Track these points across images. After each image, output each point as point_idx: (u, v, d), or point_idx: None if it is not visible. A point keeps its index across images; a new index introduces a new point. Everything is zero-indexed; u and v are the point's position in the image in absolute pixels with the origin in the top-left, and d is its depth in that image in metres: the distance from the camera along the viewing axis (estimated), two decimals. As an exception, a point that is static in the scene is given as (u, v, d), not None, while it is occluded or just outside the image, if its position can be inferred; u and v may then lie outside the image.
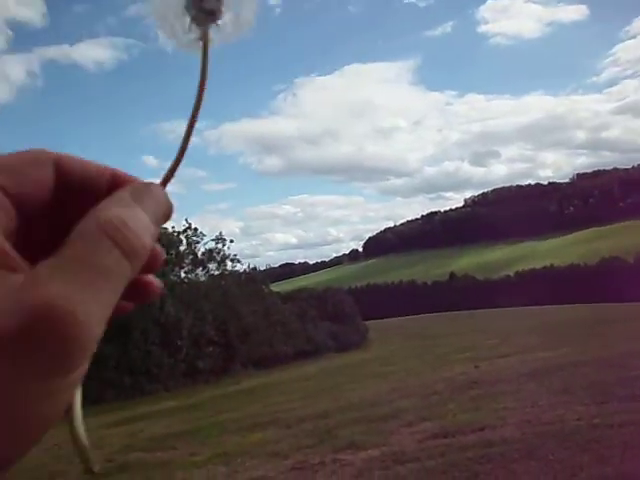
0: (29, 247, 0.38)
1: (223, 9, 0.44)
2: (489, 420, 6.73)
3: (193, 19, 0.43)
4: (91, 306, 0.33)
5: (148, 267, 0.41)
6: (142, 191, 0.41)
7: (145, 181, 0.43)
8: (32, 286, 0.32)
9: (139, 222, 0.38)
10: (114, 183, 0.42)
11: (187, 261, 26.76)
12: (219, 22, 0.44)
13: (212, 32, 0.44)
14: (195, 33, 0.44)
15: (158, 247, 0.43)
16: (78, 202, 0.41)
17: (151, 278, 0.44)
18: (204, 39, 0.44)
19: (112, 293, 0.35)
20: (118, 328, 21.38)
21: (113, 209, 0.37)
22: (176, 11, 0.43)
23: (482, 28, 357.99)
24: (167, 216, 0.42)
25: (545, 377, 9.42)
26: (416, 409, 8.45)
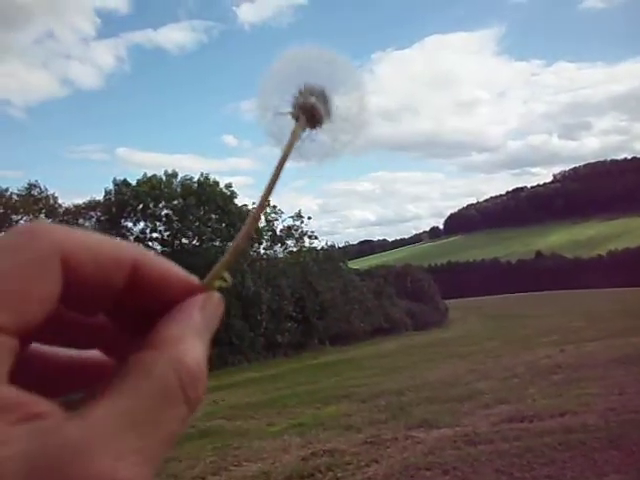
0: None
1: (325, 119, 0.40)
2: (571, 406, 6.45)
3: (293, 111, 0.40)
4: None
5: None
6: (213, 311, 0.35)
7: (203, 287, 0.37)
8: (88, 456, 0.26)
9: (204, 360, 0.33)
10: (136, 276, 0.34)
11: (266, 237, 27.42)
12: (315, 131, 0.40)
13: (304, 136, 0.40)
14: (288, 124, 0.40)
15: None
16: (97, 302, 0.34)
17: None
18: (294, 134, 0.40)
19: (162, 461, 0.30)
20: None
21: (190, 347, 0.32)
22: (280, 97, 0.40)
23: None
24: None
25: (634, 364, 8.87)
26: (493, 391, 8.25)
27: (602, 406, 6.24)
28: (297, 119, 0.40)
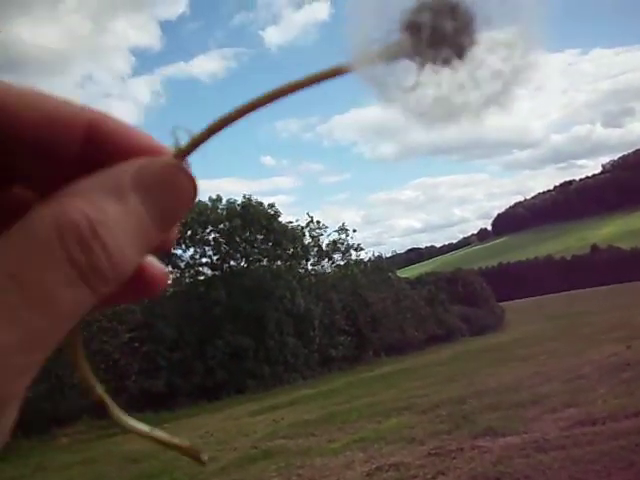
0: None
1: (459, 52, 0.26)
2: (645, 405, 6.13)
3: (436, 57, 0.25)
4: (10, 357, 0.23)
5: (142, 290, 0.31)
6: (157, 174, 0.28)
7: (167, 150, 0.31)
8: None
9: (127, 228, 0.26)
10: (94, 136, 0.30)
11: (312, 253, 27.50)
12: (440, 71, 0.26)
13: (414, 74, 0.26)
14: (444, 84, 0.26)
15: (158, 267, 0.32)
16: (49, 163, 0.30)
17: (155, 270, 0.32)
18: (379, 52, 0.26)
19: (51, 334, 0.24)
20: (253, 320, 22.62)
21: (88, 201, 0.26)
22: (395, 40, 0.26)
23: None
24: (186, 207, 0.30)
25: None
26: (560, 394, 7.93)
27: (680, 403, 5.90)
28: (403, 35, 0.26)
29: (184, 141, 0.31)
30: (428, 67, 0.25)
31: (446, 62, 0.25)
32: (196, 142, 0.31)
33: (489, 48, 0.26)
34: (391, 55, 0.26)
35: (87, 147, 0.30)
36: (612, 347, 12.77)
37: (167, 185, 0.28)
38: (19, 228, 0.25)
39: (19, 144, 0.28)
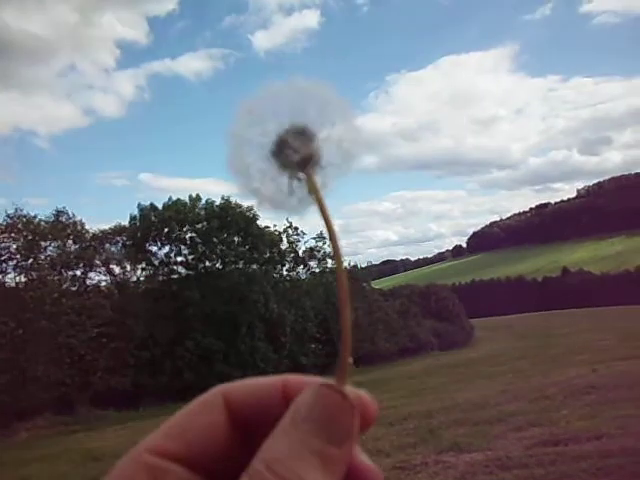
0: None
1: (320, 149, 0.36)
2: (607, 428, 6.24)
3: (290, 175, 0.36)
4: None
5: None
6: (306, 409, 0.33)
7: (321, 383, 0.35)
8: None
9: (296, 456, 0.31)
10: (289, 394, 0.36)
11: (289, 259, 27.48)
12: (321, 165, 0.36)
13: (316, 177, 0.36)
14: (298, 190, 0.36)
15: (372, 470, 0.37)
16: (262, 426, 0.36)
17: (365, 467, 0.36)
18: (315, 192, 0.36)
19: None
20: (226, 323, 22.45)
21: (266, 448, 0.31)
22: (261, 167, 0.36)
23: (585, 7, 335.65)
24: (349, 429, 0.34)
25: (673, 383, 8.57)
26: (525, 413, 8.03)
27: (640, 428, 6.03)
28: (299, 176, 0.36)
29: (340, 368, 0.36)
30: (287, 174, 0.36)
31: (298, 167, 0.35)
32: (344, 366, 0.36)
33: (329, 141, 0.36)
34: (260, 170, 0.35)
35: (286, 401, 0.36)
36: (578, 369, 13.00)
37: (325, 408, 0.33)
38: None
39: (247, 421, 0.37)
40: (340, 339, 0.37)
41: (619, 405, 7.58)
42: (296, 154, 0.35)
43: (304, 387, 0.36)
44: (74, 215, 23.89)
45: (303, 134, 0.35)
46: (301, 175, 0.36)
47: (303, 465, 0.31)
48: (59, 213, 23.50)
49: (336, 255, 0.39)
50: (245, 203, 27.14)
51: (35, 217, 22.51)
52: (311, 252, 28.22)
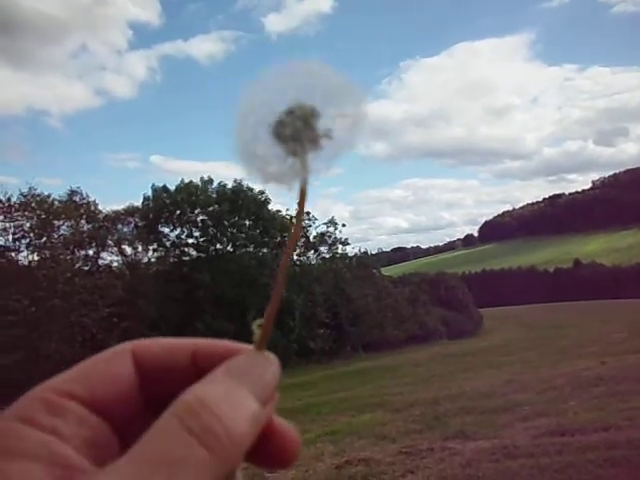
0: None
1: (321, 128, 0.37)
2: (614, 420, 6.23)
3: (288, 150, 0.37)
4: None
5: (274, 456, 0.37)
6: (243, 364, 0.36)
7: (247, 349, 0.39)
8: None
9: (228, 401, 0.33)
10: (198, 360, 0.39)
11: (299, 244, 27.50)
12: (318, 148, 0.37)
13: (309, 160, 0.37)
14: (289, 163, 0.37)
15: (291, 432, 0.38)
16: (168, 390, 0.37)
17: (284, 430, 0.38)
18: (303, 172, 0.37)
19: None
20: (235, 306, 22.60)
21: (196, 388, 0.33)
22: (263, 139, 0.37)
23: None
24: (272, 390, 0.37)
25: (682, 377, 8.53)
26: (532, 404, 8.03)
27: (648, 421, 6.01)
28: (294, 153, 0.37)
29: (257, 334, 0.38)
30: (294, 151, 0.36)
31: (312, 144, 0.37)
32: (265, 335, 0.38)
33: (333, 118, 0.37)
34: (266, 150, 0.37)
35: (194, 365, 0.38)
36: (587, 361, 12.97)
37: (253, 369, 0.35)
38: (156, 424, 0.32)
39: (154, 376, 0.38)
40: (267, 310, 0.40)
41: (627, 398, 7.55)
42: (293, 130, 0.36)
43: (215, 352, 0.38)
44: (87, 195, 24.10)
45: (305, 112, 0.36)
46: (297, 151, 0.36)
47: (233, 411, 0.32)
48: (73, 193, 23.68)
49: (295, 232, 0.41)
50: (257, 187, 27.15)
51: (49, 196, 22.72)
52: (322, 237, 28.24)
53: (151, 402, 0.38)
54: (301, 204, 0.38)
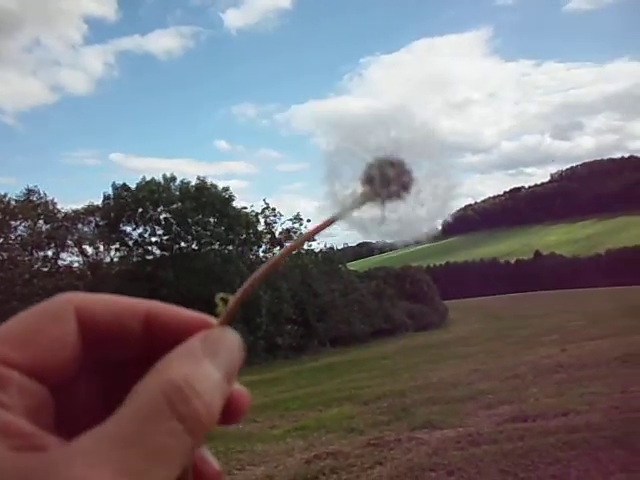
0: (80, 416, 0.35)
1: (402, 194, 0.37)
2: (574, 405, 6.45)
3: (362, 180, 0.37)
4: None
5: (229, 417, 0.37)
6: (216, 341, 0.36)
7: (213, 323, 0.39)
8: (65, 467, 0.28)
9: (207, 382, 0.33)
10: (151, 322, 0.38)
11: (265, 240, 27.41)
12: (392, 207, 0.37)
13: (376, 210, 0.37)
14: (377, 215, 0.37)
15: (240, 391, 0.38)
16: (112, 350, 0.37)
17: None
18: (353, 201, 0.37)
19: (165, 477, 0.30)
20: (201, 304, 22.36)
21: (180, 367, 0.33)
22: (352, 191, 0.37)
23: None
24: (239, 367, 0.37)
25: (636, 362, 8.87)
26: (495, 392, 8.24)
27: (605, 405, 6.23)
28: (364, 188, 0.37)
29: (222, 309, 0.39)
30: (387, 203, 0.36)
31: (398, 197, 0.36)
32: (232, 312, 0.39)
33: (424, 181, 0.37)
34: (360, 202, 0.36)
35: (148, 330, 0.37)
36: (547, 349, 13.36)
37: (224, 348, 0.36)
38: (129, 400, 0.31)
39: (99, 338, 0.36)
40: (242, 289, 0.40)
41: (586, 383, 7.82)
42: (386, 183, 0.36)
43: (171, 319, 0.38)
44: (45, 194, 23.42)
45: (397, 167, 0.36)
46: (382, 196, 0.36)
47: (215, 396, 0.33)
48: (30, 192, 22.99)
49: (299, 242, 0.44)
50: (222, 184, 26.88)
51: (5, 196, 21.99)
52: (287, 233, 28.18)
53: (89, 360, 0.36)
54: (321, 228, 0.38)
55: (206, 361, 0.34)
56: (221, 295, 0.40)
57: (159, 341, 0.37)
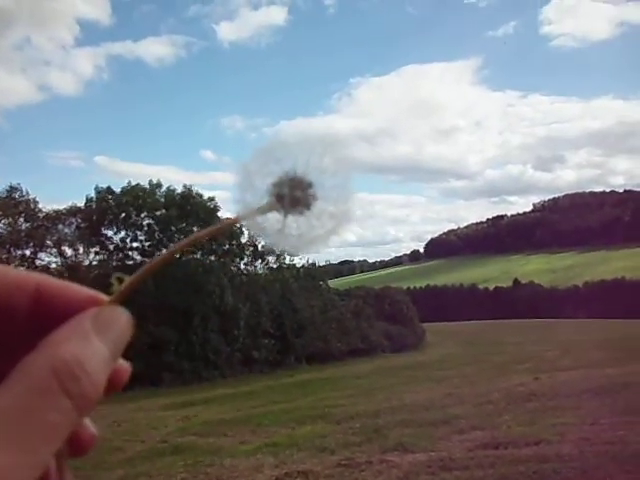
0: None
1: (302, 209, 0.41)
2: (545, 435, 6.48)
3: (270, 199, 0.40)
4: (18, 472, 0.29)
5: (108, 390, 0.37)
6: (107, 319, 0.37)
7: (106, 301, 0.39)
8: None
9: (96, 360, 0.34)
10: (40, 296, 0.37)
11: (247, 253, 27.29)
12: (293, 219, 0.41)
13: (278, 222, 0.41)
14: (273, 217, 0.41)
15: (122, 365, 0.39)
16: (3, 324, 0.37)
17: (87, 431, 0.39)
18: (253, 210, 0.41)
19: (49, 454, 0.31)
20: (179, 313, 22.14)
21: (71, 345, 0.33)
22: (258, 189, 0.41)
23: (545, 29, 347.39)
24: (127, 339, 0.38)
25: (608, 395, 8.96)
26: (468, 417, 8.25)
27: (576, 436, 6.28)
28: (271, 206, 0.40)
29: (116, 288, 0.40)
30: (289, 216, 0.40)
31: (299, 212, 0.40)
32: (126, 290, 0.40)
33: (324, 200, 0.41)
34: (264, 210, 0.40)
35: (36, 304, 0.37)
36: (521, 377, 13.44)
37: (114, 326, 0.36)
38: (18, 374, 0.32)
39: None
40: (139, 272, 0.41)
41: (558, 413, 7.88)
42: (291, 198, 0.40)
43: (62, 294, 0.38)
44: (28, 192, 23.12)
45: (303, 183, 0.40)
46: (286, 210, 0.40)
47: (102, 374, 0.34)
48: (12, 189, 22.67)
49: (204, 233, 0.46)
50: (206, 194, 26.76)
51: (-15, 192, 21.65)
52: (270, 247, 28.11)
53: None
54: (226, 225, 0.42)
55: (96, 339, 0.34)
56: (117, 275, 0.41)
57: (49, 315, 0.37)
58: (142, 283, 0.41)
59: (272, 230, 0.41)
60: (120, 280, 0.40)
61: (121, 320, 0.38)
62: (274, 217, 0.41)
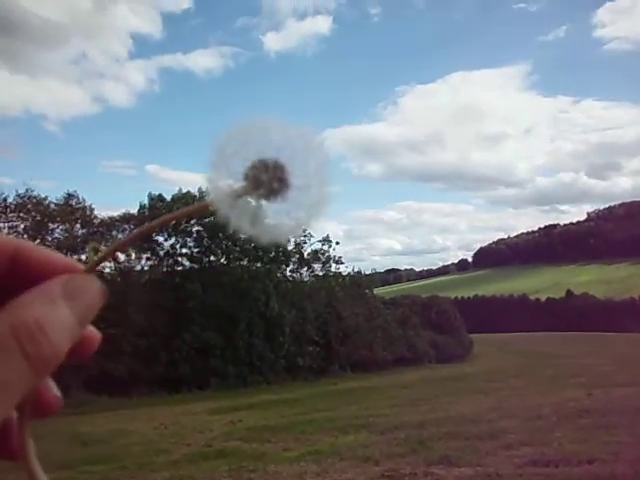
0: None
1: (278, 194, 0.40)
2: (599, 453, 6.20)
3: (243, 185, 0.40)
4: None
5: (77, 355, 0.38)
6: (78, 285, 0.38)
7: (81, 267, 0.40)
8: None
9: (59, 325, 0.35)
10: (17, 261, 0.39)
11: (293, 260, 27.47)
12: (269, 205, 0.40)
13: (254, 208, 0.40)
14: (243, 202, 0.40)
15: (93, 332, 0.40)
16: None
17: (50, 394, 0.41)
18: (228, 200, 0.40)
19: (4, 410, 0.33)
20: (225, 318, 22.47)
21: (34, 307, 0.34)
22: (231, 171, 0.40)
23: (598, 32, 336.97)
24: (96, 312, 0.39)
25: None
26: (517, 432, 8.00)
27: (632, 455, 5.99)
28: (245, 190, 0.39)
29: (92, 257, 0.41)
30: (260, 202, 0.40)
31: (270, 199, 0.39)
32: (100, 259, 0.41)
33: (298, 187, 0.40)
34: (236, 195, 0.39)
35: (14, 268, 0.38)
36: (573, 392, 12.93)
37: (84, 293, 0.37)
38: None
39: None
40: (115, 244, 0.43)
41: (612, 431, 7.53)
42: (263, 184, 0.39)
43: (39, 259, 0.39)
44: (84, 199, 24.04)
45: (279, 167, 0.39)
46: (259, 194, 0.39)
47: (64, 339, 0.35)
48: (69, 196, 23.62)
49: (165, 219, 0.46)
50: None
51: (45, 199, 22.64)
52: (315, 255, 28.21)
53: None
54: (198, 209, 0.42)
55: (62, 304, 0.35)
56: (93, 244, 0.42)
57: (24, 279, 0.38)
58: (113, 255, 0.42)
59: (244, 215, 0.40)
60: (96, 250, 0.41)
61: (92, 288, 0.38)
62: (246, 202, 0.40)
